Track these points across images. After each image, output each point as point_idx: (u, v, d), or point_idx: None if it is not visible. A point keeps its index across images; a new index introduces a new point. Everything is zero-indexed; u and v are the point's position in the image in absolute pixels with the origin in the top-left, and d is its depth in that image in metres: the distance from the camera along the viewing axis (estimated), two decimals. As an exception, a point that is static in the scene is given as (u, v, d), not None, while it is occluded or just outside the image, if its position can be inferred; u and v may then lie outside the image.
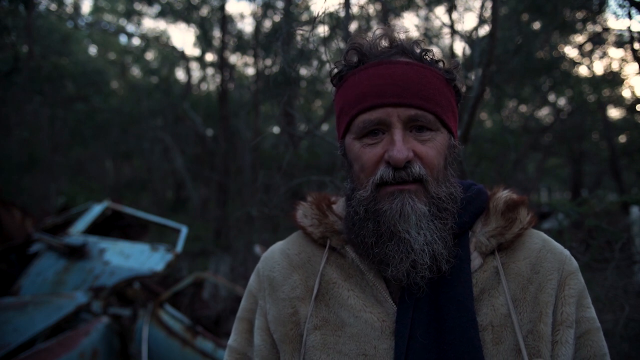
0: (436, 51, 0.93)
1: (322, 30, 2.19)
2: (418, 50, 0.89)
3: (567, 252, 0.93)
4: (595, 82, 8.53)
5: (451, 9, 6.29)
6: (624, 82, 8.40)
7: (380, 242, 0.86)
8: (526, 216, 0.93)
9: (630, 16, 3.68)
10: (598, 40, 7.13)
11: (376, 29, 0.94)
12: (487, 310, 0.85)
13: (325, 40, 2.39)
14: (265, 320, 0.97)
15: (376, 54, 0.89)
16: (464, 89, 0.96)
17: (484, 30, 4.71)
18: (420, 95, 0.85)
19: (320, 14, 2.07)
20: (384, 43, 0.91)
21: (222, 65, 11.86)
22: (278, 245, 1.06)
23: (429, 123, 0.86)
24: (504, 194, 0.96)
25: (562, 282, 0.88)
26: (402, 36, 0.92)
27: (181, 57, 17.61)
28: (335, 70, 0.95)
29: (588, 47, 7.63)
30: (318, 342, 0.89)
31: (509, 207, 0.94)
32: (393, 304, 0.88)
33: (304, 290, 0.95)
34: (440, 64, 0.91)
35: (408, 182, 0.84)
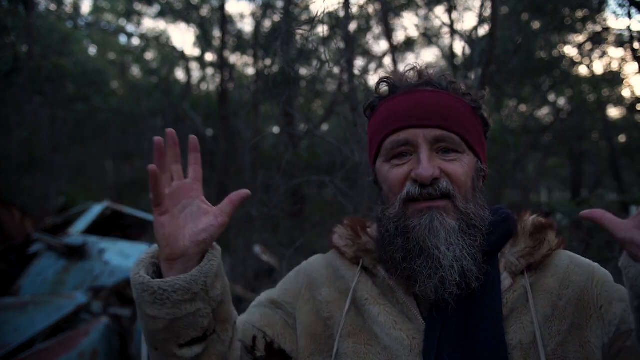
0: (461, 84, 0.96)
1: (322, 30, 2.19)
2: (445, 82, 0.93)
3: (595, 264, 0.95)
4: (595, 81, 8.53)
5: (451, 8, 6.29)
6: (624, 82, 8.40)
7: (408, 257, 0.87)
8: (554, 238, 0.95)
9: (629, 16, 3.69)
10: (598, 39, 7.13)
11: (406, 65, 0.99)
12: (517, 328, 0.86)
13: (325, 40, 2.39)
14: (301, 312, 0.99)
15: (405, 85, 0.94)
16: (491, 121, 0.99)
17: (484, 30, 4.71)
18: (445, 118, 0.88)
19: (319, 13, 2.07)
20: (413, 75, 0.95)
21: (222, 65, 11.86)
22: (319, 256, 1.11)
23: (455, 144, 0.89)
24: (531, 218, 0.98)
25: (598, 291, 0.89)
26: (431, 70, 0.96)
27: (181, 57, 17.60)
28: (367, 103, 1.00)
29: (588, 46, 7.63)
30: (350, 350, 0.91)
31: (537, 229, 0.95)
32: (422, 321, 0.89)
33: (339, 300, 0.98)
34: (468, 97, 0.94)
35: (436, 197, 0.86)
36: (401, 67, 0.99)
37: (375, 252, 0.98)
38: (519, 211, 1.02)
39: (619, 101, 10.68)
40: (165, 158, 0.84)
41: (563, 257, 0.95)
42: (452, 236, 0.85)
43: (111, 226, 5.15)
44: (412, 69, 0.95)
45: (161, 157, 0.83)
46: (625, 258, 0.74)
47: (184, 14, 13.76)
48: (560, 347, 0.84)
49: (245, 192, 0.87)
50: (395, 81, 0.95)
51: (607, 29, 6.06)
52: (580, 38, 7.42)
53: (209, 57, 16.33)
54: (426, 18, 9.37)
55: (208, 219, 0.85)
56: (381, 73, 1.06)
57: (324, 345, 0.94)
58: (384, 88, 0.96)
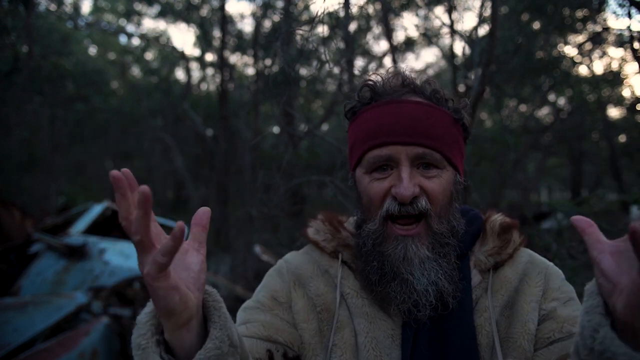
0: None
1: (322, 30, 2.19)
2: (428, 90, 0.94)
3: (549, 263, 1.02)
4: (595, 81, 8.53)
5: (451, 8, 6.29)
6: (624, 82, 8.40)
7: (383, 280, 0.91)
8: (518, 237, 1.02)
9: (630, 15, 3.69)
10: (598, 39, 7.13)
11: (389, 68, 1.01)
12: (480, 316, 0.94)
13: (325, 40, 2.39)
14: (288, 300, 1.00)
15: (388, 92, 0.94)
16: (471, 127, 1.02)
17: (484, 30, 4.71)
18: (427, 135, 0.90)
19: (319, 13, 2.07)
20: (396, 82, 0.96)
21: (222, 65, 11.85)
22: (294, 253, 1.12)
23: (436, 161, 0.91)
24: (498, 218, 1.04)
25: (547, 280, 0.97)
26: (414, 75, 0.97)
27: (181, 57, 17.60)
28: (349, 106, 1.00)
29: (588, 46, 7.62)
30: (341, 341, 0.96)
31: (504, 229, 1.02)
32: (400, 318, 0.95)
33: (328, 294, 1.01)
34: (450, 103, 0.96)
35: (412, 216, 0.90)
36: (384, 71, 1.01)
37: (354, 248, 1.01)
38: (485, 211, 1.09)
39: (619, 101, 10.68)
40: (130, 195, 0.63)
41: (523, 254, 1.02)
42: (426, 263, 0.90)
43: (111, 226, 5.15)
44: (396, 74, 0.96)
45: (128, 192, 0.63)
46: (591, 286, 0.69)
47: (184, 14, 13.76)
48: (509, 328, 0.92)
49: (206, 209, 0.74)
50: (378, 88, 0.96)
51: (607, 29, 6.06)
52: (580, 38, 7.42)
53: (209, 57, 16.33)
54: (426, 18, 9.36)
55: (195, 257, 0.73)
56: (367, 75, 1.06)
57: (320, 338, 0.97)
58: (366, 93, 0.97)
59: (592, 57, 8.31)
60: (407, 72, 0.97)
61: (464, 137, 0.99)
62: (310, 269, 1.04)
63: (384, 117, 0.92)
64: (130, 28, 19.44)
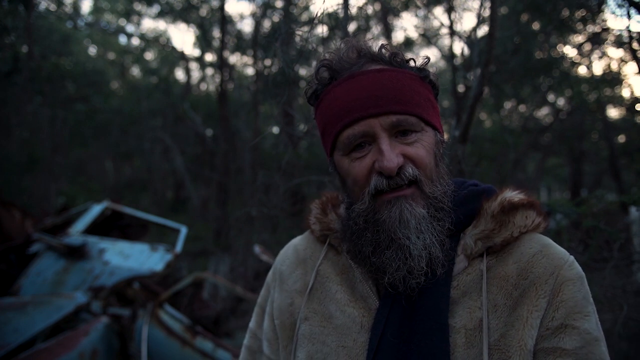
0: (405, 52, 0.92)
1: (321, 30, 2.19)
2: (387, 55, 0.89)
3: (569, 258, 0.87)
4: (594, 82, 8.53)
5: (450, 9, 6.30)
6: (623, 82, 8.40)
7: (377, 250, 0.86)
8: (525, 220, 0.89)
9: (629, 16, 3.69)
10: (597, 40, 7.13)
11: (341, 42, 0.95)
12: (463, 313, 0.84)
13: (324, 41, 2.40)
14: (272, 308, 1.05)
15: (346, 67, 0.89)
16: (439, 81, 0.95)
17: (483, 30, 4.72)
18: (397, 100, 0.85)
19: (319, 14, 2.08)
20: (352, 54, 0.90)
21: (221, 65, 11.86)
22: (293, 240, 1.13)
23: (412, 125, 0.86)
24: (505, 195, 0.92)
25: (557, 289, 0.83)
26: (369, 44, 0.91)
27: (181, 57, 17.62)
28: (310, 90, 0.95)
29: (587, 47, 7.63)
30: (307, 332, 0.94)
31: (504, 209, 0.90)
32: (377, 300, 0.90)
33: (302, 284, 1.01)
34: (412, 63, 0.91)
35: (403, 186, 0.85)
36: (337, 47, 0.94)
37: (338, 231, 0.98)
38: (500, 187, 0.97)
39: (619, 101, 10.68)
40: None
41: (533, 243, 0.88)
42: (423, 224, 0.84)
43: (111, 226, 5.15)
44: (350, 47, 0.91)
45: None
46: None
47: (183, 14, 13.77)
48: (503, 338, 0.80)
49: None
50: (335, 64, 0.90)
51: (606, 29, 6.06)
52: (579, 38, 7.42)
53: (209, 57, 16.36)
54: (425, 18, 9.38)
55: None
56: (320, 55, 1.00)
57: (289, 331, 0.98)
58: (324, 74, 0.91)
59: (592, 57, 8.32)
60: (361, 42, 0.91)
61: (434, 93, 0.94)
62: (293, 260, 1.06)
63: (349, 93, 0.86)
64: (130, 28, 19.45)
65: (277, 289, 1.05)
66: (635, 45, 4.14)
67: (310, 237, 1.07)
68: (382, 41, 0.92)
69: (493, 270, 0.87)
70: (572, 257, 0.87)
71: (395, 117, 0.84)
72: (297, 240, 1.11)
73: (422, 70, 0.91)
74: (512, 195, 0.92)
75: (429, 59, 0.93)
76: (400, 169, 0.84)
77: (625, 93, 9.43)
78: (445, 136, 0.97)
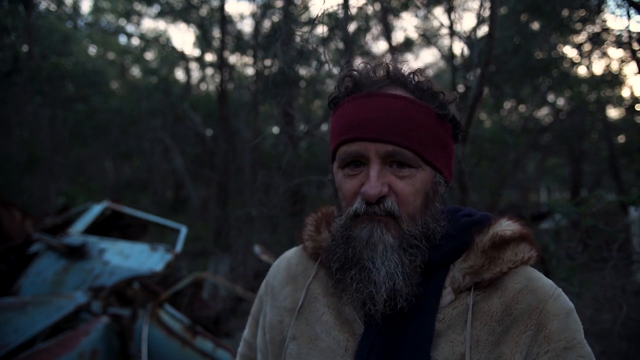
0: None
1: (321, 30, 2.20)
2: (412, 83, 0.88)
3: (555, 291, 0.86)
4: (594, 82, 8.53)
5: (450, 9, 6.30)
6: (623, 82, 8.40)
7: (343, 268, 0.87)
8: (514, 256, 0.87)
9: (629, 16, 3.70)
10: (597, 40, 7.13)
11: (375, 58, 0.95)
12: (446, 346, 0.82)
13: (324, 41, 2.40)
14: (264, 321, 1.05)
15: (368, 83, 0.89)
16: (469, 125, 0.95)
17: (483, 30, 4.72)
18: (400, 132, 0.84)
19: (319, 14, 2.08)
20: (379, 72, 0.90)
21: (221, 65, 11.86)
22: (287, 253, 1.12)
23: (408, 160, 0.85)
24: (497, 230, 0.90)
25: (542, 325, 0.82)
26: (402, 66, 0.90)
27: (181, 57, 17.62)
28: (332, 96, 0.95)
29: (587, 47, 7.63)
30: (294, 352, 0.94)
31: (495, 244, 0.88)
32: (362, 325, 0.89)
33: (291, 302, 1.00)
34: (440, 96, 0.88)
35: (380, 215, 0.84)
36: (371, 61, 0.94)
37: (328, 250, 0.97)
38: (498, 216, 0.95)
39: (619, 102, 10.69)
40: None
41: (521, 277, 0.87)
42: (389, 252, 0.83)
43: (111, 226, 5.15)
44: (382, 64, 0.90)
45: None
46: None
47: (183, 14, 13.77)
48: None
49: None
50: (359, 78, 0.90)
51: (606, 30, 6.06)
52: (579, 38, 7.42)
53: (209, 57, 16.36)
54: (425, 18, 9.37)
55: None
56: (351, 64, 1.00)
57: (278, 349, 0.98)
58: (348, 83, 0.91)
59: (592, 57, 8.32)
60: (393, 63, 0.90)
61: (452, 133, 0.92)
62: (284, 275, 1.06)
63: (358, 111, 0.86)
64: (130, 28, 19.47)
65: (269, 303, 1.05)
66: (635, 45, 4.14)
67: (303, 253, 1.07)
68: (416, 69, 0.90)
69: (478, 305, 0.85)
70: (558, 291, 0.86)
71: (392, 147, 0.84)
72: (290, 254, 1.11)
73: (443, 107, 0.88)
74: (505, 227, 0.91)
75: (457, 97, 0.91)
76: (382, 198, 0.83)
77: (625, 93, 9.43)
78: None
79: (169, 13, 14.21)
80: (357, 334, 0.89)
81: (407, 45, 9.60)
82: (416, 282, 0.84)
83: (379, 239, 0.83)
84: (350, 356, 0.87)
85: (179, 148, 14.80)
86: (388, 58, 0.93)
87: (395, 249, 0.84)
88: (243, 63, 14.52)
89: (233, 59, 13.82)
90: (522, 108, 11.38)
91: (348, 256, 0.86)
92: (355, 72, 0.91)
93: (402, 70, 0.90)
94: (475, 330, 0.83)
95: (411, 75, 0.89)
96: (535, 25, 7.41)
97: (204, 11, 13.40)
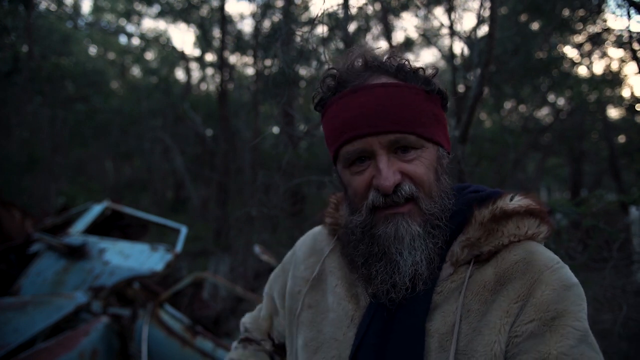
0: (413, 59, 0.92)
1: (321, 30, 2.20)
2: (393, 68, 0.88)
3: (555, 264, 0.83)
4: (594, 82, 8.54)
5: (450, 9, 6.30)
6: (624, 82, 8.40)
7: (368, 262, 0.89)
8: (517, 229, 0.87)
9: (629, 16, 3.69)
10: (597, 40, 7.13)
11: (350, 50, 0.94)
12: (439, 317, 0.84)
13: (325, 41, 2.40)
14: (284, 291, 1.12)
15: (351, 78, 0.89)
16: (447, 91, 0.94)
17: (483, 30, 4.72)
18: (397, 119, 0.85)
19: (319, 14, 2.08)
20: (359, 64, 0.90)
21: (221, 65, 11.86)
22: (316, 228, 1.17)
23: (412, 143, 0.86)
24: (500, 203, 0.90)
25: (531, 293, 0.80)
26: (377, 53, 0.91)
27: (181, 57, 17.62)
28: (317, 99, 0.95)
29: (587, 47, 7.63)
30: (307, 319, 1.00)
31: (495, 217, 0.88)
32: (367, 298, 0.93)
33: (310, 273, 1.06)
34: (420, 73, 0.89)
35: (400, 203, 0.85)
36: (346, 55, 0.93)
37: (344, 229, 1.00)
38: (506, 192, 0.95)
39: (619, 101, 10.69)
40: None
41: (521, 250, 0.85)
42: (416, 241, 0.85)
43: (111, 226, 5.15)
44: (357, 56, 0.91)
45: None
46: None
47: (183, 14, 13.77)
48: (471, 343, 0.80)
49: None
50: (341, 75, 0.90)
51: (607, 30, 6.06)
52: (579, 38, 7.42)
53: (209, 57, 16.37)
54: (425, 18, 9.38)
55: None
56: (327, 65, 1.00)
57: (293, 317, 1.04)
58: (330, 83, 0.92)
59: (592, 57, 8.32)
60: (368, 51, 0.91)
61: (441, 104, 0.93)
62: (306, 249, 1.12)
63: (350, 109, 0.86)
64: (130, 28, 19.47)
65: (291, 273, 1.11)
66: (635, 45, 4.14)
67: (325, 230, 1.12)
68: (389, 49, 0.92)
69: (474, 277, 0.86)
70: (561, 264, 0.84)
71: (394, 136, 0.85)
72: (317, 229, 1.16)
73: (428, 84, 0.89)
74: (512, 202, 0.90)
75: (437, 70, 0.92)
76: (397, 186, 0.84)
77: (625, 93, 9.43)
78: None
79: (169, 13, 14.21)
80: (363, 306, 0.93)
81: (408, 45, 9.61)
82: (436, 265, 0.86)
83: (406, 231, 0.85)
84: (355, 327, 0.92)
85: (179, 148, 14.80)
86: (360, 47, 0.93)
87: (421, 236, 0.85)
88: (243, 63, 14.53)
89: (233, 59, 13.83)
90: (522, 108, 11.38)
91: (373, 252, 0.88)
92: (334, 70, 0.92)
93: (379, 56, 0.90)
94: (467, 300, 0.84)
95: (389, 60, 0.90)
96: (535, 25, 7.41)
97: (204, 11, 13.41)
